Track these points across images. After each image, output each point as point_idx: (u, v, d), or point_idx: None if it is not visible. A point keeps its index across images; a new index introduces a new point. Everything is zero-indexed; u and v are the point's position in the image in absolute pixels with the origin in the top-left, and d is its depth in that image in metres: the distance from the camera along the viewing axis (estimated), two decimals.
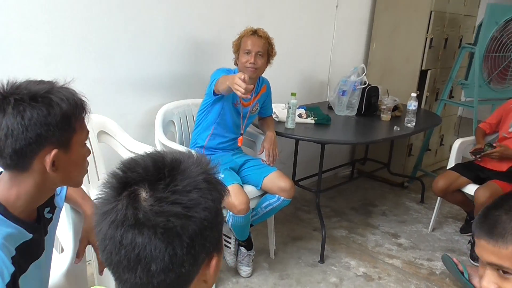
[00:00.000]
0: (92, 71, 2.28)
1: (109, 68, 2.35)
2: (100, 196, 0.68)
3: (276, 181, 2.36)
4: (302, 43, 3.43)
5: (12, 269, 0.92)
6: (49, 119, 0.93)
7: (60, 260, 1.43)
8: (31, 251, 1.04)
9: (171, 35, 2.57)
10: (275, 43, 2.42)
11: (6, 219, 0.97)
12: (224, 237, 2.52)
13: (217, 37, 2.77)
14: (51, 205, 1.18)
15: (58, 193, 1.28)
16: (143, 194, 0.66)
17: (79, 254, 1.36)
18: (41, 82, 0.99)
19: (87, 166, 1.07)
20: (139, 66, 2.47)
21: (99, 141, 2.22)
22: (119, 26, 2.34)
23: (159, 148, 2.37)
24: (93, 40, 2.25)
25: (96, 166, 2.20)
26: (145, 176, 0.67)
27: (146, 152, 0.72)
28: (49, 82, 0.99)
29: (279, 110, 2.90)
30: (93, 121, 2.17)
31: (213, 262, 0.71)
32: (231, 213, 2.21)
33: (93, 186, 2.16)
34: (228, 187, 2.12)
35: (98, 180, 2.21)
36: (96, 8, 2.22)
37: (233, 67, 2.43)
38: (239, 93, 1.92)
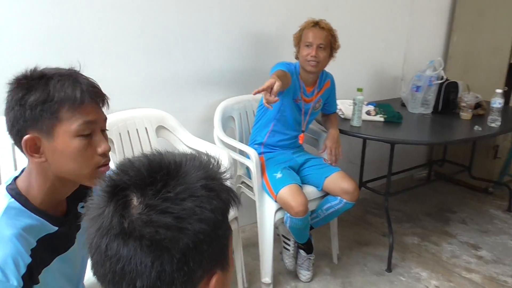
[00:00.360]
0: (151, 66, 2.28)
1: (168, 64, 2.34)
2: (91, 200, 0.61)
3: (339, 182, 2.21)
4: (372, 35, 3.21)
5: (28, 260, 0.89)
6: (24, 101, 0.90)
7: None
8: (56, 244, 1.00)
9: (231, 29, 2.51)
10: (342, 35, 2.27)
11: (27, 210, 0.95)
12: (283, 238, 2.41)
13: (280, 31, 2.67)
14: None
15: None
16: (134, 200, 0.58)
17: None
18: (61, 68, 0.97)
19: (98, 162, 0.97)
20: (198, 61, 2.44)
21: (157, 136, 2.21)
22: (177, 20, 2.32)
23: (218, 144, 2.32)
24: (151, 35, 2.25)
25: None
26: (135, 180, 0.59)
27: (145, 153, 0.64)
28: (66, 69, 0.97)
29: (345, 106, 2.73)
30: (152, 116, 2.19)
31: (213, 280, 0.61)
32: (288, 214, 2.10)
33: None
34: (285, 187, 2.02)
35: None
36: (153, 2, 2.21)
37: (295, 61, 2.31)
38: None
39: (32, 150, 0.94)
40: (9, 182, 0.99)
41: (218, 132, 2.34)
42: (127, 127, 2.10)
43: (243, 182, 2.44)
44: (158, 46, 2.29)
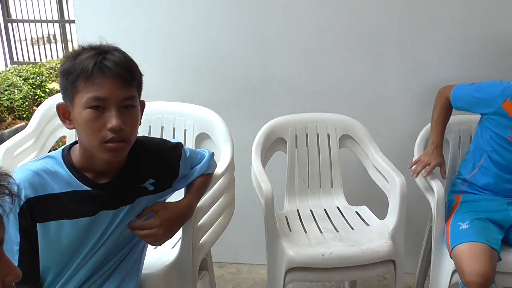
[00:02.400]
0: (355, 68, 2.07)
1: (376, 67, 2.07)
2: None
3: None
4: None
5: (30, 195, 1.01)
6: (60, 71, 1.03)
7: (167, 251, 1.41)
8: (82, 203, 1.08)
9: (468, 32, 1.98)
10: None
11: (64, 163, 1.07)
12: None
13: None
14: (159, 179, 1.20)
15: (187, 175, 1.28)
16: None
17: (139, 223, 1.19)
18: (110, 45, 1.06)
19: (104, 135, 1.02)
20: (416, 68, 2.05)
21: (340, 146, 2.01)
22: (392, 18, 2.00)
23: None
24: (357, 34, 2.04)
25: (331, 172, 2.01)
26: None
27: None
28: (108, 45, 1.05)
29: None
30: (339, 122, 2.00)
31: None
32: (460, 281, 1.53)
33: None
34: (466, 243, 1.52)
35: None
36: None
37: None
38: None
39: (64, 116, 1.07)
40: (74, 141, 1.15)
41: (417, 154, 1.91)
42: (306, 130, 2.00)
43: None
44: (364, 46, 2.05)
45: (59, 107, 1.07)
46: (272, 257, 1.65)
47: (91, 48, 1.03)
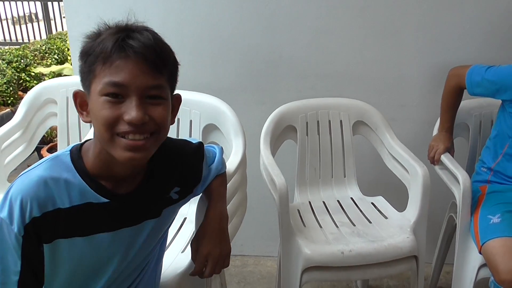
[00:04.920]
0: (369, 49, 1.94)
1: (392, 47, 1.93)
2: None
3: None
4: None
5: (37, 213, 0.83)
6: (79, 53, 0.85)
7: (177, 256, 1.29)
8: (98, 218, 0.91)
9: (488, 9, 1.85)
10: None
11: (74, 168, 0.88)
12: None
13: None
14: (184, 187, 1.05)
15: (205, 178, 1.13)
16: None
17: (195, 271, 1.06)
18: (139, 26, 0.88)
19: (118, 128, 0.83)
20: (434, 48, 1.92)
21: (354, 133, 1.88)
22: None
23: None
24: (371, 12, 1.90)
25: (344, 161, 1.89)
26: None
27: None
28: (137, 25, 0.87)
29: None
30: (352, 108, 1.88)
31: None
32: (492, 278, 1.43)
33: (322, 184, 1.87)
34: (499, 239, 1.40)
35: (348, 176, 1.89)
36: None
37: None
38: None
39: (81, 107, 0.88)
40: (84, 140, 0.96)
41: None
42: (317, 116, 1.86)
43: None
44: (380, 26, 1.92)
45: (76, 95, 0.88)
46: (286, 256, 1.53)
47: (116, 26, 0.85)
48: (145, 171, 0.96)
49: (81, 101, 0.88)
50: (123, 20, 0.87)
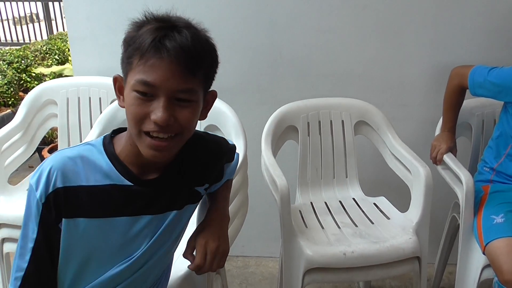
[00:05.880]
0: (370, 48, 1.93)
1: (393, 46, 1.92)
2: None
3: None
4: None
5: (59, 184, 0.87)
6: (122, 41, 0.87)
7: (178, 257, 1.27)
8: (120, 200, 0.92)
9: (491, 7, 1.83)
10: None
11: (105, 153, 0.92)
12: None
13: None
14: (212, 184, 1.08)
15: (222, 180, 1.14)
16: None
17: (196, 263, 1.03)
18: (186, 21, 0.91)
19: (145, 126, 0.85)
20: (436, 47, 1.90)
21: (355, 133, 1.87)
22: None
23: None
24: (372, 11, 1.88)
25: (346, 161, 1.88)
26: None
27: None
28: (184, 21, 0.90)
29: None
30: (353, 107, 1.87)
31: None
32: (496, 278, 1.42)
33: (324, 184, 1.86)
34: (503, 239, 1.39)
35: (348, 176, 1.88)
36: None
37: None
38: None
39: (120, 91, 0.91)
40: (118, 127, 0.99)
41: None
42: (319, 116, 1.85)
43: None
44: (381, 25, 1.90)
45: (115, 79, 0.91)
46: (288, 258, 1.52)
47: (158, 20, 0.86)
48: (174, 161, 0.97)
49: (119, 85, 0.91)
50: (167, 11, 0.89)
